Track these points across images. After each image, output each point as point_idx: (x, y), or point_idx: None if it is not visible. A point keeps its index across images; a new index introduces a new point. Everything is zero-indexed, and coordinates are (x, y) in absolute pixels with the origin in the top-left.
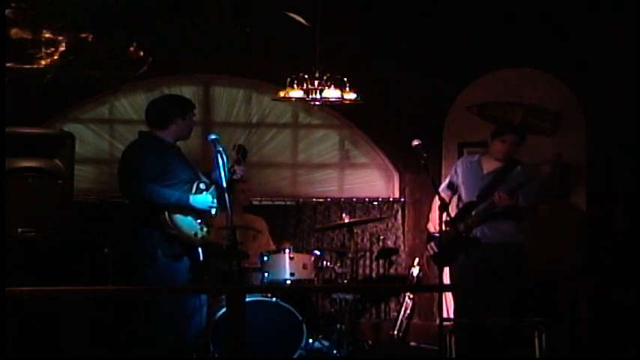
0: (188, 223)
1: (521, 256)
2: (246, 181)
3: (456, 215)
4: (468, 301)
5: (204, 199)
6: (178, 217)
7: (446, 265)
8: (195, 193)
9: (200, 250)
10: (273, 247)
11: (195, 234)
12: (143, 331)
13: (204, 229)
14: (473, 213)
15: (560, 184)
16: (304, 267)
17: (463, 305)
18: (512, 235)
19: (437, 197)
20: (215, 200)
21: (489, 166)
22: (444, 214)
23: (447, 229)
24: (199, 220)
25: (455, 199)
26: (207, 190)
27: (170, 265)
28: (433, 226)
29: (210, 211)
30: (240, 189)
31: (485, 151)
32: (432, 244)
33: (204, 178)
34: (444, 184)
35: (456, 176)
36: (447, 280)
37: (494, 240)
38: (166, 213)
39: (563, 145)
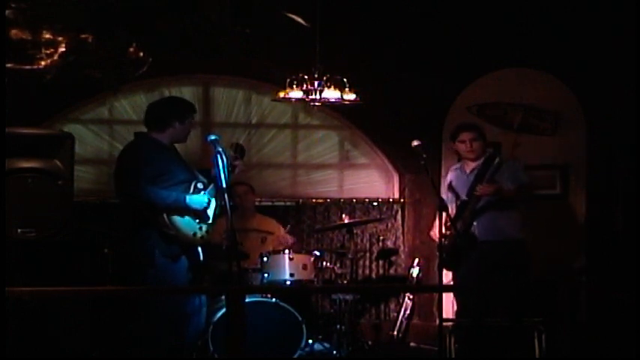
0: (187, 224)
1: (521, 253)
2: (251, 186)
3: (454, 217)
4: (469, 301)
5: (200, 199)
6: (176, 218)
7: (454, 269)
8: (193, 192)
9: (200, 250)
10: (291, 242)
11: (195, 234)
12: (143, 331)
13: (204, 228)
14: (466, 210)
15: (560, 184)
16: (304, 267)
17: (464, 305)
18: (512, 233)
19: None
20: (212, 200)
21: (470, 166)
22: (444, 216)
23: (449, 232)
24: (198, 220)
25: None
26: (204, 189)
27: (168, 266)
28: (434, 232)
29: (207, 211)
30: (243, 191)
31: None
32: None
33: (201, 178)
34: (445, 194)
35: (448, 186)
36: (450, 280)
37: (494, 237)
38: (164, 214)
39: (563, 145)
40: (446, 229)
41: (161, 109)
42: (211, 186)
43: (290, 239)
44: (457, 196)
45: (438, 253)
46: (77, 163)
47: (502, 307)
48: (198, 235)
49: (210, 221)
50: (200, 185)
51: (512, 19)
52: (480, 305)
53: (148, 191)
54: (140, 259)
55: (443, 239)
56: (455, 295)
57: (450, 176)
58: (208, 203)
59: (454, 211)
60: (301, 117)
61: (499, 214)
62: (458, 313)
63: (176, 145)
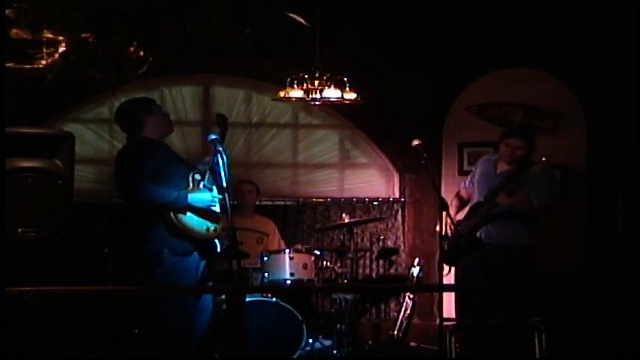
0: (196, 221)
1: (524, 259)
2: (257, 186)
3: (465, 216)
4: (469, 302)
5: (202, 197)
6: (185, 217)
7: (453, 265)
8: (193, 186)
9: (217, 241)
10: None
11: (207, 229)
12: (150, 330)
13: (214, 223)
14: (477, 214)
15: (560, 185)
16: (304, 267)
17: (464, 306)
18: (517, 238)
19: (455, 194)
20: (214, 195)
21: (503, 166)
22: (444, 214)
23: (455, 229)
24: (208, 220)
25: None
26: (202, 179)
27: (179, 263)
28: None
29: (211, 208)
30: (248, 190)
31: None
32: (444, 243)
33: (199, 168)
34: (467, 180)
35: (475, 172)
36: (452, 280)
37: (498, 242)
38: (171, 214)
39: (563, 145)
40: (451, 226)
41: (124, 112)
42: (208, 174)
43: (283, 245)
44: (475, 189)
45: (439, 253)
46: (77, 162)
47: (503, 309)
48: (211, 228)
49: (220, 214)
50: (197, 176)
51: (512, 19)
52: (481, 306)
53: (148, 190)
54: (147, 260)
55: (445, 236)
56: (456, 295)
57: (480, 164)
58: (213, 200)
59: (472, 192)
60: (301, 116)
61: (509, 221)
62: (456, 312)
63: (178, 146)
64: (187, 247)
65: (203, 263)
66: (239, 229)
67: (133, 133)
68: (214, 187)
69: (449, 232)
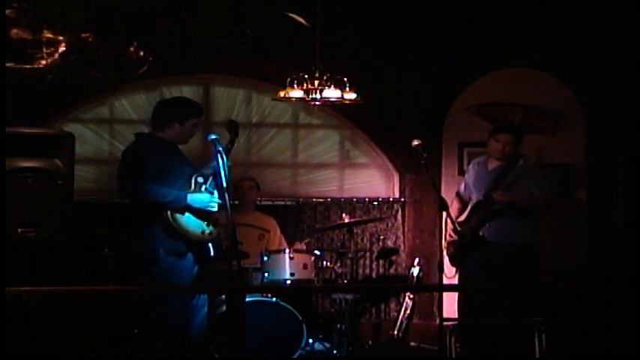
0: (193, 222)
1: (525, 257)
2: (257, 183)
3: (466, 216)
4: (471, 301)
5: (202, 197)
6: (183, 217)
7: (460, 265)
8: (195, 188)
9: (210, 245)
10: (284, 246)
11: (203, 232)
12: (150, 330)
13: (211, 225)
14: (479, 213)
15: (560, 184)
16: (304, 267)
17: (467, 305)
18: (518, 235)
19: (455, 195)
20: (214, 197)
21: (493, 163)
22: (444, 214)
23: (456, 230)
24: (203, 220)
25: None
26: (205, 182)
27: (174, 263)
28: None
29: (210, 209)
30: (248, 186)
31: None
32: (450, 246)
33: (203, 171)
34: (462, 187)
35: (468, 177)
36: (456, 280)
37: (499, 239)
38: (169, 213)
39: (563, 145)
40: (452, 228)
41: (163, 109)
42: (211, 179)
43: (285, 244)
44: (470, 196)
45: (439, 253)
46: (77, 162)
47: (504, 308)
48: (207, 231)
49: (215, 210)
50: (200, 179)
51: (511, 19)
52: (483, 305)
53: (148, 188)
54: (143, 259)
55: (449, 237)
56: (459, 295)
57: (471, 168)
58: (211, 201)
59: (470, 194)
60: (301, 116)
61: (512, 218)
62: (461, 312)
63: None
64: (182, 248)
65: (197, 267)
66: (240, 225)
67: (151, 130)
68: (215, 192)
69: (450, 233)
